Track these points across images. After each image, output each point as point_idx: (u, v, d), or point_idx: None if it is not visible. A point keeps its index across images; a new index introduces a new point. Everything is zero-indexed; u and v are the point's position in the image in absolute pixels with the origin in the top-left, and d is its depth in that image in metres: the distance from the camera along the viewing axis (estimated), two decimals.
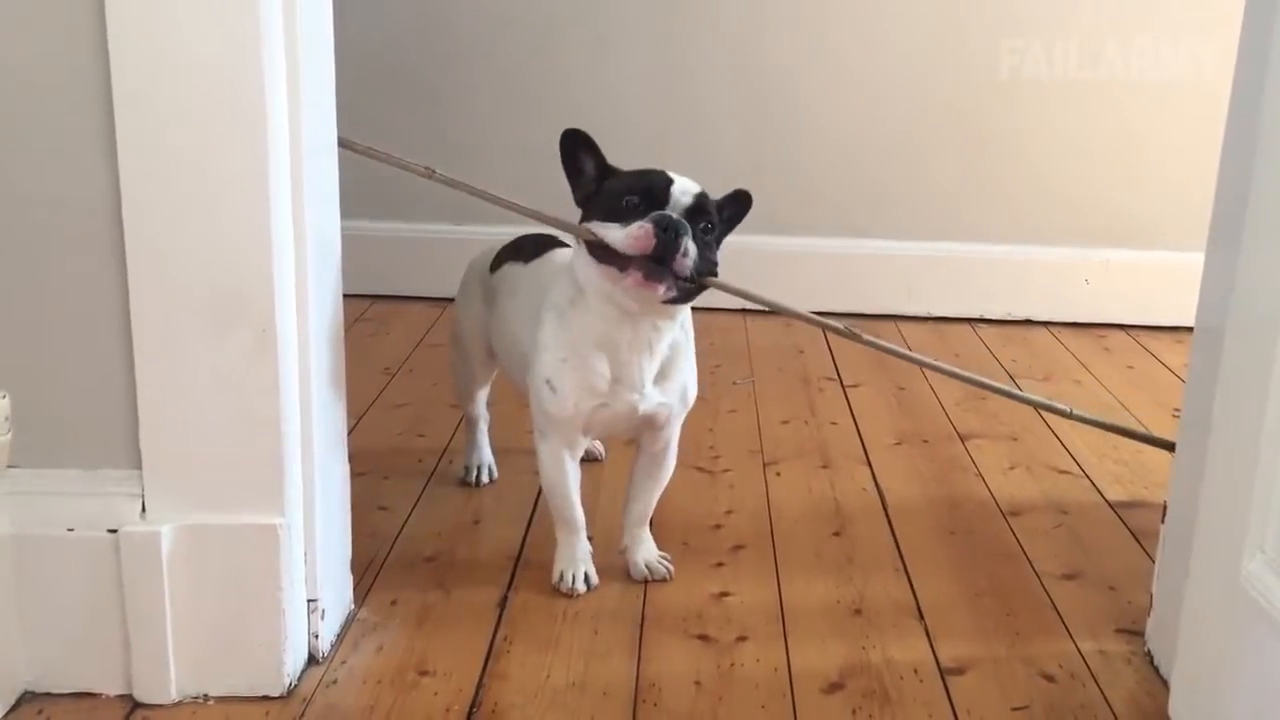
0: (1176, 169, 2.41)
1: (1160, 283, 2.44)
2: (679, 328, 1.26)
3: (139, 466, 1.04)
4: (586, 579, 1.30)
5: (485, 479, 1.59)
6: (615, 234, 1.16)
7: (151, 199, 0.99)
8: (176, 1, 0.95)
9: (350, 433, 1.23)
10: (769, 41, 2.45)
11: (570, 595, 1.28)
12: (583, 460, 1.61)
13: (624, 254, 1.15)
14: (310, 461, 1.09)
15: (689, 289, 1.18)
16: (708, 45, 2.46)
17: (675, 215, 1.16)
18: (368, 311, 2.43)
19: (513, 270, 1.41)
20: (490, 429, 1.62)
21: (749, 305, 2.40)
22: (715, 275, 1.20)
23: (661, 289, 1.15)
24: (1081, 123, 2.44)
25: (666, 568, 1.34)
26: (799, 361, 2.19)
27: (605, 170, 1.24)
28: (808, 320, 1.34)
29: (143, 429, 1.03)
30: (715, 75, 2.47)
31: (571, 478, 1.30)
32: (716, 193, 1.23)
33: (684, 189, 1.19)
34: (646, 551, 1.35)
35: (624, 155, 1.18)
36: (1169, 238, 2.42)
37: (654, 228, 1.14)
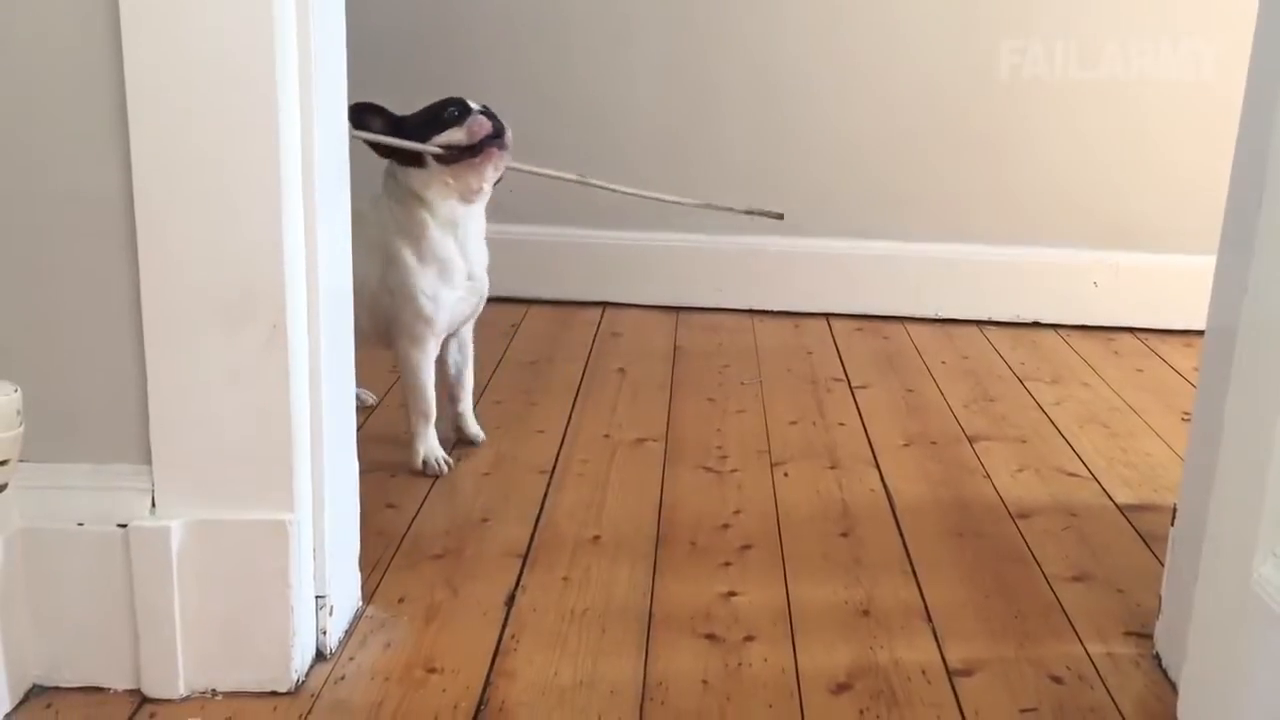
0: (1184, 170, 2.40)
1: (1169, 286, 2.43)
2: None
3: (149, 462, 1.04)
4: (445, 461, 1.58)
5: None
6: (459, 133, 1.51)
7: (163, 194, 0.99)
8: None
9: (358, 430, 1.23)
10: (779, 43, 2.45)
11: (437, 476, 1.55)
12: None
13: (470, 146, 1.50)
14: (320, 458, 1.09)
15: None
16: (719, 46, 2.46)
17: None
18: None
19: None
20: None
21: (757, 306, 2.46)
22: None
23: (508, 155, 1.52)
24: (1087, 123, 2.44)
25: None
26: (807, 362, 2.19)
27: (399, 120, 1.54)
28: (554, 177, 1.68)
29: (153, 424, 1.03)
30: (726, 76, 2.47)
31: (433, 374, 1.58)
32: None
33: (473, 102, 1.55)
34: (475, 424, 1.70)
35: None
36: (1178, 240, 2.40)
37: (484, 116, 1.51)
